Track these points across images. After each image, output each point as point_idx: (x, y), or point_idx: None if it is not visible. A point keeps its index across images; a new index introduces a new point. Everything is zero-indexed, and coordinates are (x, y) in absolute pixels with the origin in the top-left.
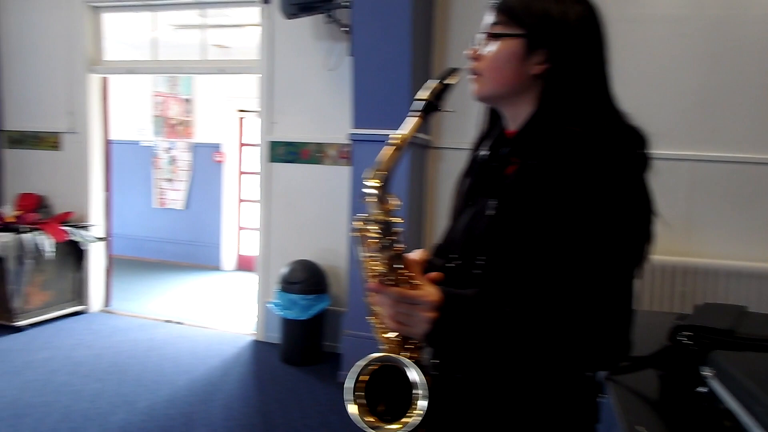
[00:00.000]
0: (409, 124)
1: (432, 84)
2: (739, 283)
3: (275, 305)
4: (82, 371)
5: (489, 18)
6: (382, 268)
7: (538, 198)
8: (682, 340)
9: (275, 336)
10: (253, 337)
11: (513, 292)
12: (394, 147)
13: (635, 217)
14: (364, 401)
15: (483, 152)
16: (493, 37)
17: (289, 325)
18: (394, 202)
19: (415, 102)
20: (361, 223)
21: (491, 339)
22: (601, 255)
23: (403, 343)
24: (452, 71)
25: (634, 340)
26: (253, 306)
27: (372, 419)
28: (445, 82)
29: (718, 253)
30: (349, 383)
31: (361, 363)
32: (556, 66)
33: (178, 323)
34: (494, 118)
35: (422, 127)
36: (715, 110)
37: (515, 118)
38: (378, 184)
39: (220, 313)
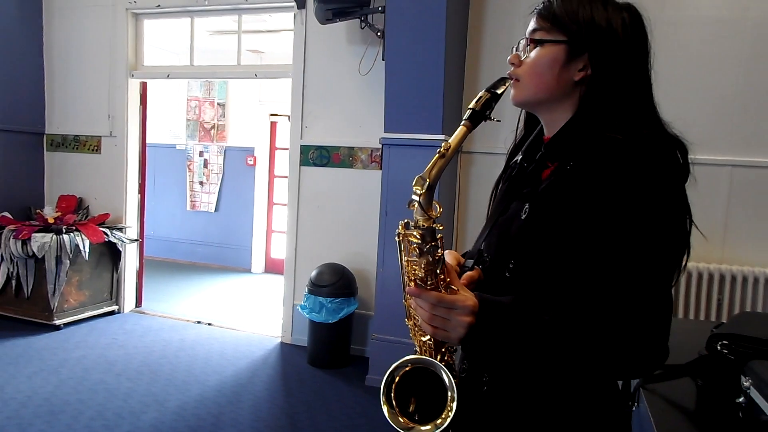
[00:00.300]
0: (457, 132)
1: (481, 93)
2: None
3: (303, 308)
4: (115, 370)
5: (532, 24)
6: (421, 272)
7: (572, 203)
8: (719, 349)
9: (303, 339)
10: (282, 340)
11: (548, 299)
12: (440, 155)
13: (672, 226)
14: (397, 402)
15: (519, 157)
16: (535, 42)
17: (316, 327)
18: (438, 209)
19: (467, 111)
20: (403, 227)
21: (527, 346)
22: (637, 263)
23: (437, 347)
24: (502, 81)
25: (669, 348)
26: (281, 308)
27: (403, 420)
28: (494, 91)
29: (755, 260)
30: (383, 384)
31: (396, 364)
32: (597, 73)
33: (208, 324)
34: (531, 124)
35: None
36: (755, 114)
37: (553, 123)
38: (422, 191)
39: (249, 315)
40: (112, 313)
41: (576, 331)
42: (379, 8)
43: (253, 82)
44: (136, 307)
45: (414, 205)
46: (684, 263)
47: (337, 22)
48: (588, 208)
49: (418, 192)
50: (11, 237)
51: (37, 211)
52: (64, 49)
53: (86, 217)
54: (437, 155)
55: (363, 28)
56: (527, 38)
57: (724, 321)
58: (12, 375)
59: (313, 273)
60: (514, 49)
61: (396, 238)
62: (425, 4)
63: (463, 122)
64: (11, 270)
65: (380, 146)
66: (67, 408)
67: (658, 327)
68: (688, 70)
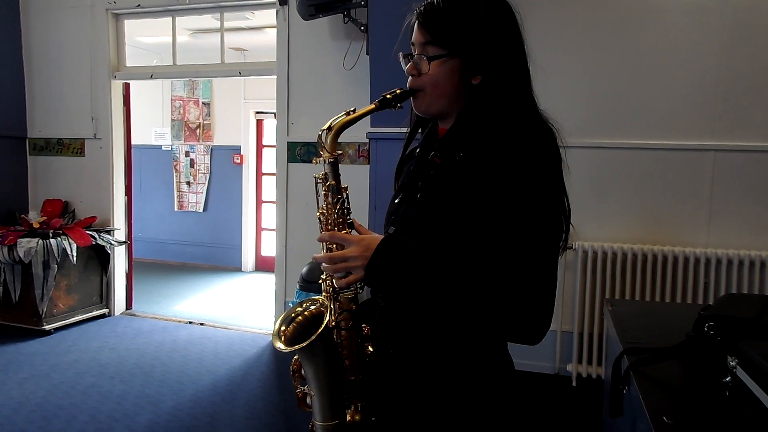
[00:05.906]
0: (366, 106)
1: (397, 89)
2: (764, 274)
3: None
4: (108, 373)
5: (420, 34)
6: (331, 218)
7: (461, 188)
8: (706, 331)
9: None
10: None
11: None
12: (346, 114)
13: (552, 203)
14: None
15: (415, 146)
16: (430, 57)
17: None
18: (339, 152)
19: (381, 96)
20: (321, 175)
21: (418, 277)
22: (520, 235)
23: (335, 293)
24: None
25: (551, 318)
26: (273, 306)
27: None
28: (407, 90)
29: (740, 243)
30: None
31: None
32: (490, 75)
33: (201, 324)
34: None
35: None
36: (737, 99)
37: (447, 118)
38: (328, 132)
39: (241, 314)
40: (102, 316)
41: (465, 275)
42: (362, 2)
43: (238, 80)
44: (127, 309)
45: (321, 141)
46: (565, 239)
47: (319, 17)
48: (476, 190)
49: (324, 129)
50: None
51: (22, 216)
52: (43, 51)
53: (73, 220)
54: (344, 113)
55: (346, 23)
56: (419, 53)
57: (711, 304)
58: (2, 382)
59: (304, 269)
60: (402, 57)
61: (314, 183)
62: None
63: (374, 102)
64: None
65: (367, 141)
66: (60, 413)
67: (540, 294)
68: (670, 57)
